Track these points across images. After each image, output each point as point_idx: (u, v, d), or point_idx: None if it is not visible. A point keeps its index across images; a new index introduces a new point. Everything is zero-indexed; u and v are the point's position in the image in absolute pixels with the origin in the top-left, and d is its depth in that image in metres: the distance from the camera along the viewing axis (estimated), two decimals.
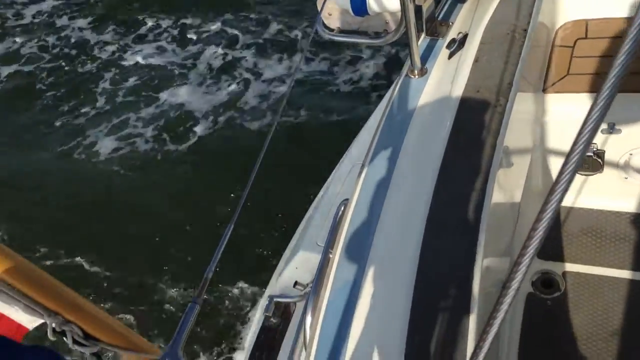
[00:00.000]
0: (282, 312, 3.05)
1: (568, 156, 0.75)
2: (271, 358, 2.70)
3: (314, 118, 6.15)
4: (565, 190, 0.77)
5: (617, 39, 2.60)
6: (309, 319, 1.79)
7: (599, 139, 2.60)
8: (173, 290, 4.84)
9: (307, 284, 2.99)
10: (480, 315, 1.57)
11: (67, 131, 6.58)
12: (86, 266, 5.11)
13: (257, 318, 3.28)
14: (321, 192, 3.43)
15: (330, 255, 1.89)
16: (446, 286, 1.65)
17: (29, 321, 1.75)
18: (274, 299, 2.95)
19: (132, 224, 5.35)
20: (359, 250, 1.83)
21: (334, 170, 3.31)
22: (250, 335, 3.14)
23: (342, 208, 2.04)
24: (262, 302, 3.06)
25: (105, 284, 4.96)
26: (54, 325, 1.74)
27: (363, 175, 2.04)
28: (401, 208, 1.86)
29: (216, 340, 4.43)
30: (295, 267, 3.13)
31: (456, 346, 1.50)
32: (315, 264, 2.08)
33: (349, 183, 2.34)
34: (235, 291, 4.76)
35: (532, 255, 0.80)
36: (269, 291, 3.18)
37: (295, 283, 2.94)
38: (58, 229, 5.42)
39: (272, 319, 2.95)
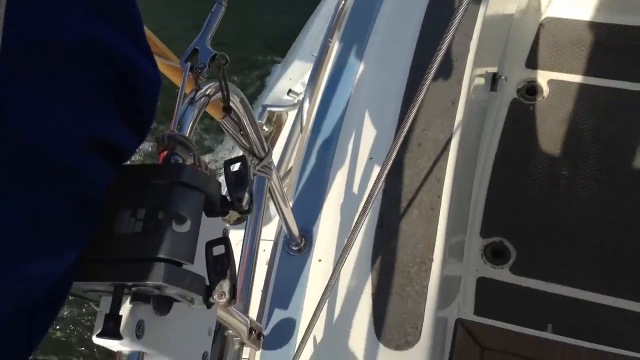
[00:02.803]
0: (274, 121, 3.16)
1: None
2: None
3: None
4: None
5: None
6: (306, 104, 1.89)
7: None
8: None
9: (300, 93, 3.09)
10: (466, 94, 1.69)
11: None
12: None
13: None
14: (320, 2, 3.40)
15: (330, 44, 1.95)
16: (442, 66, 1.76)
17: None
18: (267, 108, 3.04)
19: None
20: (357, 38, 1.90)
21: None
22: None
23: (343, 2, 2.07)
24: (255, 111, 3.15)
25: None
26: None
27: None
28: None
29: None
30: (290, 78, 3.19)
31: (445, 118, 1.65)
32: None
33: None
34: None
35: None
36: (261, 100, 3.26)
37: (289, 91, 3.02)
38: None
39: (264, 127, 3.04)
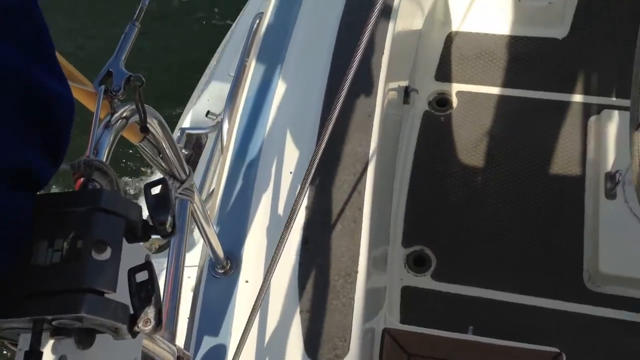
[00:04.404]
0: (193, 144, 3.12)
1: None
2: None
3: None
4: None
5: None
6: (225, 125, 1.89)
7: None
8: None
9: (219, 114, 3.07)
10: (381, 105, 1.75)
11: None
12: None
13: None
14: (234, 24, 3.40)
15: (246, 63, 1.96)
16: (355, 80, 1.81)
17: None
18: (186, 131, 3.00)
19: None
20: (274, 56, 1.92)
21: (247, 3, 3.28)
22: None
23: (257, 21, 2.08)
24: (173, 135, 3.10)
25: None
26: None
27: None
28: (316, 16, 1.94)
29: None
30: (207, 99, 3.17)
31: (362, 132, 1.69)
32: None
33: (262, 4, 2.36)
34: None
35: None
36: (180, 124, 3.21)
37: (208, 113, 2.99)
38: None
39: (183, 150, 2.99)
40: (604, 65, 2.73)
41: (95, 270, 0.61)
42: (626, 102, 1.91)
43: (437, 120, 2.74)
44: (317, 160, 1.16)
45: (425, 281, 2.28)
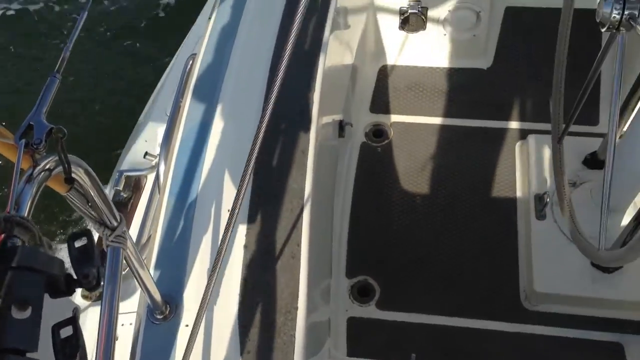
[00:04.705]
0: (132, 186, 3.08)
1: None
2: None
3: None
4: None
5: None
6: (162, 166, 1.88)
7: None
8: None
9: (158, 154, 3.04)
10: (316, 138, 1.78)
11: None
12: None
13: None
14: (170, 64, 3.40)
15: (181, 103, 1.97)
16: (289, 118, 1.84)
17: None
18: (124, 173, 2.96)
19: None
20: (208, 96, 1.93)
21: (185, 39, 3.29)
22: None
23: (191, 61, 2.10)
24: (112, 178, 3.06)
25: None
26: None
27: (209, 28, 2.10)
28: (248, 56, 1.97)
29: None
30: (145, 140, 3.14)
31: (298, 168, 1.72)
32: None
33: (197, 42, 2.38)
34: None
35: None
36: (118, 166, 3.17)
37: (146, 154, 2.96)
38: None
39: (122, 193, 2.94)
40: (527, 92, 2.87)
41: (15, 330, 0.60)
42: (549, 126, 2.01)
43: (375, 151, 2.80)
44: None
45: (370, 311, 2.31)
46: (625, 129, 2.17)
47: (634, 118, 2.02)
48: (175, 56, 3.26)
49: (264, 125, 1.10)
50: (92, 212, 1.17)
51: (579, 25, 1.69)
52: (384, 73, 3.08)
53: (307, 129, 1.83)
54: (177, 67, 3.07)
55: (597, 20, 1.45)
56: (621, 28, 1.41)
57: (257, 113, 1.86)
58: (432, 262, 2.43)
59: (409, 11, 2.86)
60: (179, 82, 2.29)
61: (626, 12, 1.38)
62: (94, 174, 1.09)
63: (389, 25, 2.97)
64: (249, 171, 1.13)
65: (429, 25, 2.92)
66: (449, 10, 2.86)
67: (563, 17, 1.71)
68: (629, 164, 1.97)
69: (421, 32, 2.97)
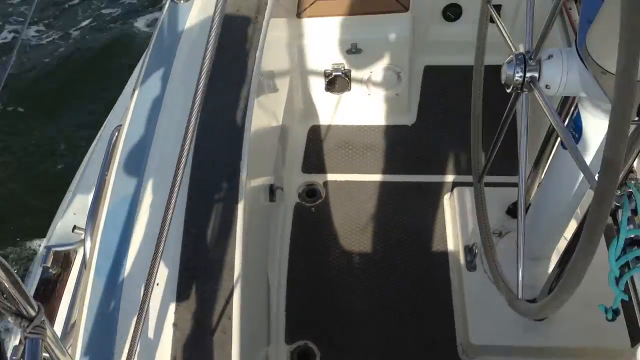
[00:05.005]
0: (62, 261, 2.97)
1: None
2: (53, 308, 2.64)
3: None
4: None
5: None
6: (88, 242, 1.83)
7: (346, 60, 2.92)
8: None
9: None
10: (246, 205, 1.79)
11: None
12: None
13: (34, 271, 3.14)
14: (99, 133, 3.35)
15: (106, 177, 1.94)
16: (217, 186, 1.83)
17: None
18: (52, 249, 2.86)
19: None
20: (134, 168, 1.91)
21: (112, 110, 3.26)
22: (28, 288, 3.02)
23: (116, 133, 2.08)
24: (39, 254, 2.94)
25: None
26: None
27: (134, 99, 2.09)
28: (174, 127, 1.97)
29: None
30: (74, 213, 3.06)
31: (227, 239, 1.71)
32: None
33: (123, 112, 2.37)
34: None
35: None
36: (46, 241, 3.06)
37: (74, 227, 2.88)
38: None
39: (50, 270, 2.84)
40: (452, 145, 2.99)
41: None
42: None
43: (309, 212, 2.83)
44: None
45: None
46: (543, 176, 2.28)
47: (548, 168, 2.13)
48: (102, 127, 3.23)
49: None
50: (8, 304, 1.12)
51: (492, 79, 1.79)
52: (313, 133, 3.14)
53: (235, 197, 1.82)
54: (103, 139, 3.03)
55: (502, 82, 1.54)
56: (524, 89, 1.50)
57: (184, 185, 1.86)
58: (371, 321, 2.43)
59: (333, 73, 2.96)
60: (105, 154, 2.26)
61: (527, 75, 1.47)
62: (5, 263, 1.05)
63: (315, 87, 3.05)
64: (162, 243, 1.11)
65: (353, 86, 3.02)
66: (371, 72, 2.97)
67: (475, 73, 1.81)
68: (546, 211, 2.06)
69: (347, 93, 3.06)
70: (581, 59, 1.39)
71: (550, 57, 1.45)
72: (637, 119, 1.32)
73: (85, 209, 3.00)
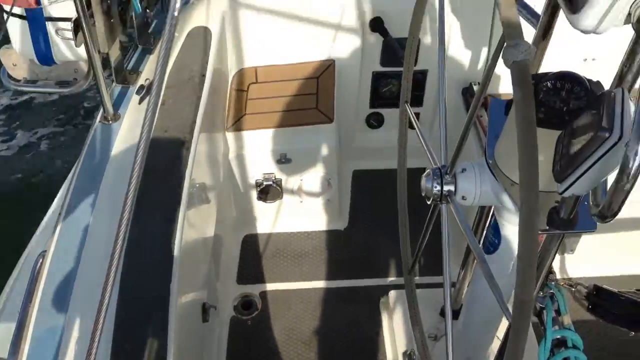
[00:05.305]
0: None
1: None
2: None
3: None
4: None
5: (281, 82, 3.03)
6: None
7: (277, 169, 2.97)
8: None
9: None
10: (177, 331, 1.73)
11: None
12: None
13: None
14: (21, 259, 3.21)
15: (29, 308, 1.85)
16: (145, 316, 1.77)
17: None
18: None
19: None
20: (59, 300, 1.83)
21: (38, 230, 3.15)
22: None
23: (40, 260, 2.00)
24: None
25: None
26: None
27: (60, 224, 2.04)
28: (101, 253, 1.91)
29: None
30: None
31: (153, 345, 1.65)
32: None
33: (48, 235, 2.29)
34: None
35: None
36: None
37: None
38: None
39: None
40: (385, 248, 3.03)
41: None
42: None
43: (245, 325, 2.76)
44: None
45: None
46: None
47: (472, 274, 2.18)
48: (25, 254, 3.11)
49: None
50: None
51: (418, 181, 1.85)
52: (247, 243, 3.13)
53: (164, 322, 1.77)
54: (26, 266, 2.91)
55: (422, 194, 1.60)
56: (442, 201, 1.56)
57: (111, 314, 1.78)
58: None
59: (265, 183, 3.00)
60: (28, 282, 2.16)
61: (445, 189, 1.53)
62: None
63: (247, 196, 3.08)
64: None
65: (285, 194, 3.06)
66: (302, 180, 3.04)
67: (399, 177, 1.87)
68: (476, 313, 2.08)
69: (279, 201, 3.10)
70: (491, 172, 1.47)
71: (463, 170, 1.52)
72: (547, 228, 1.39)
73: (8, 340, 2.82)
